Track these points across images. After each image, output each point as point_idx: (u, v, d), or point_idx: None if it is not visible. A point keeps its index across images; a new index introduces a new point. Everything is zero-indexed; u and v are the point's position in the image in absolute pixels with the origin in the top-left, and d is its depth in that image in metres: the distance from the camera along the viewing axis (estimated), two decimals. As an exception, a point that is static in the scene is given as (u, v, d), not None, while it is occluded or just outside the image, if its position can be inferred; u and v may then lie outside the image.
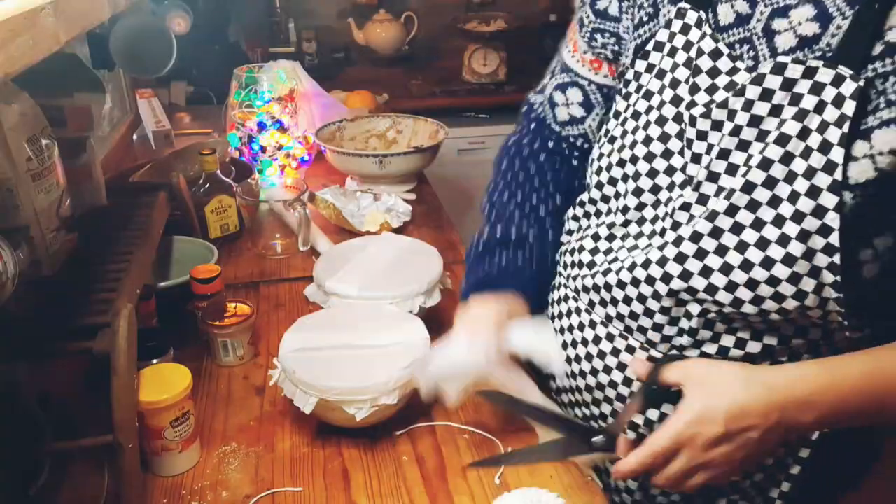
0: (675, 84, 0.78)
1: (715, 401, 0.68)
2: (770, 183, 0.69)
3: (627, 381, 0.82)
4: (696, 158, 0.75)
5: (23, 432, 0.72)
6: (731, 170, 0.72)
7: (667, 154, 0.79)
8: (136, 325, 0.77)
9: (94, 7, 0.73)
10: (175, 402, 0.81)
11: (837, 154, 0.66)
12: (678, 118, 0.77)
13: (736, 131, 0.72)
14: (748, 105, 0.71)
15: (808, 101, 0.68)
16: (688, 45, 0.77)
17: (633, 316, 0.80)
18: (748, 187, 0.70)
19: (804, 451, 0.80)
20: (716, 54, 0.75)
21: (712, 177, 0.74)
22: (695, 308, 0.76)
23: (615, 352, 0.82)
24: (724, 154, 0.73)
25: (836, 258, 0.67)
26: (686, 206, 0.75)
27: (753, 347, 0.76)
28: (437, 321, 1.10)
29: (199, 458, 0.86)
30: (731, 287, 0.72)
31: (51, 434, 0.74)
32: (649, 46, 0.82)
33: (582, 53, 0.93)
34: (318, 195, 1.45)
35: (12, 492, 0.69)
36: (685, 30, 0.78)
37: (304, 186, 1.37)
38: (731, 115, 0.72)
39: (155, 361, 0.90)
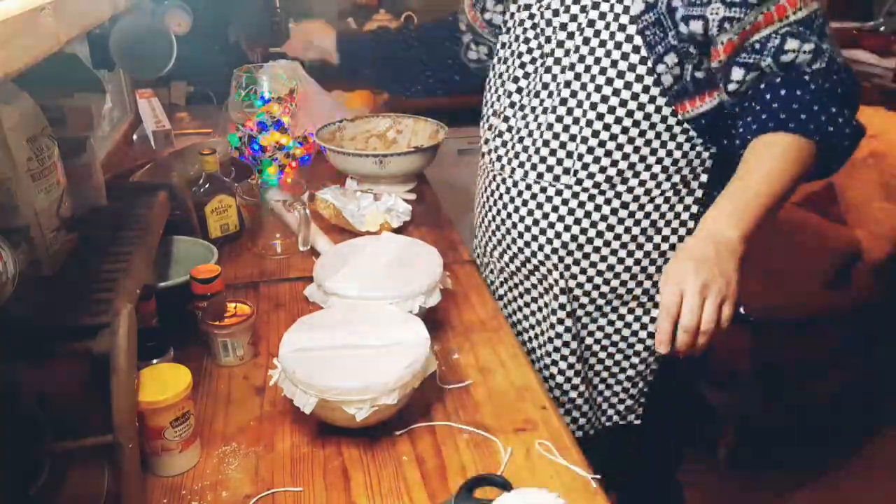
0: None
1: (677, 255, 0.90)
2: (594, 29, 1.03)
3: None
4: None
5: (23, 432, 0.72)
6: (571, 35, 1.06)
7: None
8: (136, 325, 0.77)
9: (94, 7, 0.73)
10: (175, 403, 0.81)
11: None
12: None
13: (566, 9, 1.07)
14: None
15: None
16: None
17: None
18: (585, 32, 1.04)
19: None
20: None
21: (559, 44, 1.07)
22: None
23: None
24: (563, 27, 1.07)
25: (649, 63, 0.99)
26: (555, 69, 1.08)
27: None
28: (437, 321, 1.10)
29: (199, 458, 0.86)
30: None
31: (51, 434, 0.74)
32: None
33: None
34: (318, 195, 1.45)
35: (12, 492, 0.69)
36: None
37: (304, 186, 1.37)
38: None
39: (155, 361, 0.90)
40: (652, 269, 1.11)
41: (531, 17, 1.11)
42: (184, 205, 1.21)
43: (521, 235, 1.15)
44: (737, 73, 0.95)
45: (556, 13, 1.06)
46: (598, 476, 0.83)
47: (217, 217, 1.33)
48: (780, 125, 0.92)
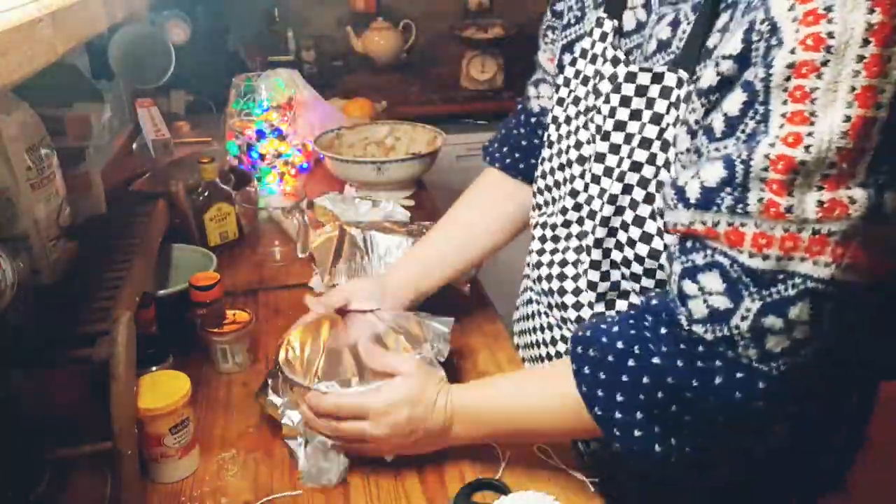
0: (596, 91, 0.83)
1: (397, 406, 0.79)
2: (643, 182, 0.75)
3: None
4: (582, 161, 0.84)
5: (22, 440, 0.72)
6: (608, 172, 0.79)
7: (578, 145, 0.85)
8: (136, 332, 0.78)
9: (92, 18, 0.73)
10: (174, 409, 0.81)
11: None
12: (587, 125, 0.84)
13: (606, 137, 0.78)
14: (612, 112, 0.77)
15: (660, 105, 0.73)
16: (605, 53, 0.82)
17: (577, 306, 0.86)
18: (627, 189, 0.77)
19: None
20: (615, 61, 0.80)
21: (595, 179, 0.81)
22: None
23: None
24: (600, 158, 0.79)
25: None
26: (591, 215, 0.83)
27: None
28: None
29: (199, 465, 0.86)
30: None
31: (50, 441, 0.74)
32: (576, 53, 0.87)
33: (541, 52, 1.03)
34: (316, 202, 1.45)
35: (12, 499, 0.70)
36: (603, 38, 0.83)
37: (302, 194, 1.37)
38: (604, 120, 0.79)
39: (154, 369, 0.90)
40: None
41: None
42: (183, 213, 1.22)
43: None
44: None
45: (600, 159, 0.81)
46: (596, 479, 0.83)
47: (216, 225, 1.34)
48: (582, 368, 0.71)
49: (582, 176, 0.84)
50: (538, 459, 0.86)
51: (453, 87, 2.69)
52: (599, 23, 0.83)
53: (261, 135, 1.60)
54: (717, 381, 0.63)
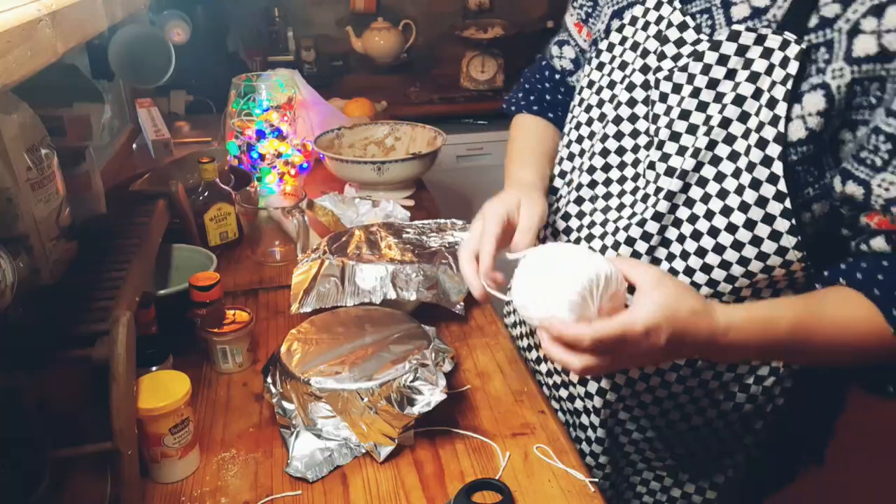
0: (645, 54, 0.86)
1: (674, 305, 0.68)
2: (730, 139, 0.77)
3: None
4: (656, 119, 0.83)
5: (22, 440, 0.72)
6: (692, 129, 0.79)
7: (633, 118, 0.86)
8: (136, 332, 0.78)
9: (92, 18, 0.73)
10: (174, 409, 0.81)
11: (782, 109, 0.73)
12: (646, 85, 0.85)
13: (695, 93, 0.80)
14: (706, 69, 0.79)
15: (760, 65, 0.75)
16: (659, 20, 0.85)
17: None
18: (711, 145, 0.77)
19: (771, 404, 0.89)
20: (682, 26, 0.83)
21: (674, 136, 0.81)
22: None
23: None
24: (684, 115, 0.80)
25: (787, 202, 0.74)
26: (651, 165, 0.83)
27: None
28: (435, 326, 1.11)
29: (199, 465, 0.86)
30: (697, 235, 0.80)
31: (50, 442, 0.74)
32: (626, 20, 0.89)
33: (568, 15, 1.06)
34: (316, 202, 1.45)
35: (12, 499, 0.70)
36: (658, 6, 0.86)
37: (302, 194, 1.37)
38: (691, 78, 0.80)
39: (154, 368, 0.91)
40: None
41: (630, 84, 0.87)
42: (183, 213, 1.22)
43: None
44: (879, 243, 0.75)
45: (684, 115, 0.80)
46: (595, 480, 0.83)
47: (216, 225, 1.34)
48: (881, 301, 0.72)
49: (617, 137, 0.87)
50: (538, 459, 0.86)
51: (453, 87, 2.69)
52: None
53: (261, 135, 1.60)
54: None
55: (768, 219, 0.75)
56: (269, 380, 0.91)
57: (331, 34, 2.85)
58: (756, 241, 0.77)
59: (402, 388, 0.85)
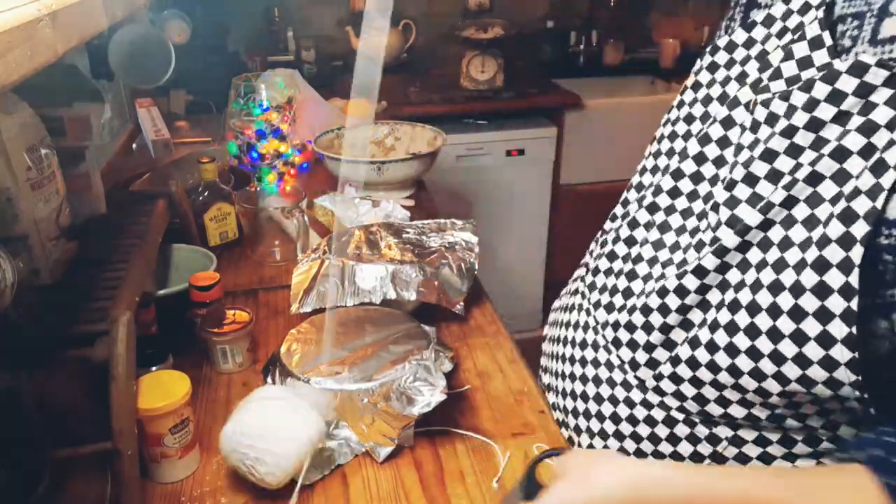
0: (765, 67, 0.67)
1: (576, 492, 0.61)
2: (814, 201, 0.58)
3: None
4: (739, 151, 0.66)
5: (23, 440, 0.72)
6: (773, 177, 0.61)
7: (723, 142, 0.69)
8: (135, 332, 0.78)
9: (92, 18, 0.73)
10: (174, 409, 0.81)
11: (889, 179, 0.54)
12: (748, 105, 0.67)
13: (790, 132, 0.61)
14: (811, 105, 0.59)
15: (881, 114, 0.55)
16: (798, 28, 0.66)
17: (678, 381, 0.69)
18: (789, 202, 0.60)
19: None
20: (816, 42, 0.63)
21: (749, 179, 0.63)
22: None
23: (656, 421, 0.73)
24: (769, 156, 0.62)
25: (854, 303, 0.55)
26: (715, 207, 0.66)
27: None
28: (435, 325, 1.11)
29: (199, 465, 0.86)
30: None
31: (50, 442, 0.74)
32: (759, 17, 0.70)
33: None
34: (316, 202, 1.45)
35: (13, 500, 0.70)
36: (804, 9, 0.66)
37: (302, 194, 1.37)
38: (791, 111, 0.60)
39: (154, 368, 0.91)
40: None
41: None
42: (183, 213, 1.22)
43: None
44: None
45: (768, 156, 0.63)
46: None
47: (216, 225, 1.34)
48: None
49: (721, 169, 0.69)
50: (538, 459, 0.86)
51: (453, 87, 2.69)
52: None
53: (261, 135, 1.60)
54: None
55: (823, 316, 0.56)
56: (269, 380, 0.91)
57: (331, 34, 2.85)
58: (799, 339, 0.58)
59: (401, 388, 0.85)
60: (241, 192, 1.36)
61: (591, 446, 0.83)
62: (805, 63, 0.63)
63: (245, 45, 2.63)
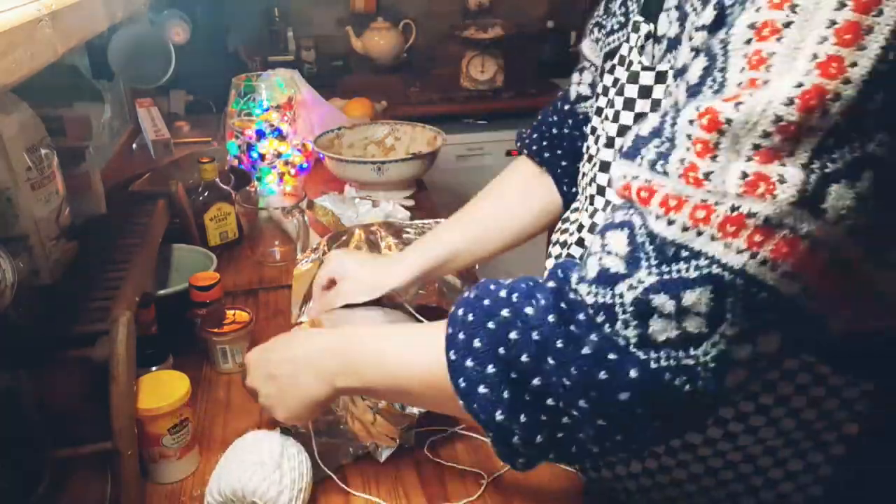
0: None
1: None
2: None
3: None
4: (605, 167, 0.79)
5: (23, 440, 0.72)
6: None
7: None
8: (135, 332, 0.78)
9: (92, 18, 0.73)
10: (173, 410, 0.81)
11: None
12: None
13: (610, 143, 0.76)
14: (615, 116, 0.75)
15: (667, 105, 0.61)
16: (638, 58, 0.75)
17: None
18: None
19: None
20: (632, 65, 0.74)
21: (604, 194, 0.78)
22: None
23: None
24: (604, 167, 0.77)
25: None
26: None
27: None
28: (435, 319, 1.11)
29: (199, 465, 0.86)
30: None
31: (50, 442, 0.74)
32: (615, 60, 0.79)
33: (584, 43, 0.96)
34: (316, 202, 1.45)
35: (13, 499, 0.70)
36: (637, 43, 0.75)
37: (302, 194, 1.37)
38: (615, 122, 0.76)
39: (154, 369, 0.91)
40: None
41: None
42: (183, 213, 1.22)
43: None
44: None
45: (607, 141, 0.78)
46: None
47: (216, 225, 1.34)
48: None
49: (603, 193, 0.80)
50: (538, 459, 0.86)
51: (453, 87, 2.69)
52: (636, 27, 0.75)
53: (261, 135, 1.60)
54: (585, 350, 0.52)
55: None
56: None
57: (331, 34, 2.85)
58: None
59: None
60: (241, 192, 1.36)
61: None
62: (645, 92, 0.74)
63: (245, 45, 2.63)
